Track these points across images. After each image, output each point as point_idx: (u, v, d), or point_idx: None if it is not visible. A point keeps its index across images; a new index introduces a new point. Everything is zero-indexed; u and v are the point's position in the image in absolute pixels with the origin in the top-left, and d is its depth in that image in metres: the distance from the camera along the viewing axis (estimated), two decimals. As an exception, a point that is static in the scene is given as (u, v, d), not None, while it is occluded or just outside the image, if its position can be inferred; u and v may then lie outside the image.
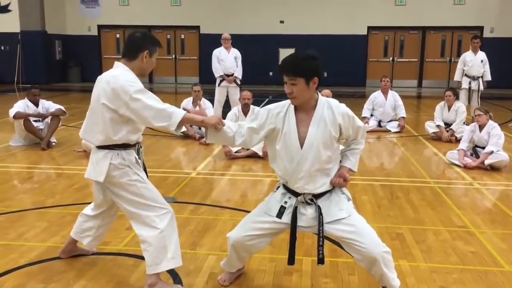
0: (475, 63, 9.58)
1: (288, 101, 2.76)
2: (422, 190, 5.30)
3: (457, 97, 8.41)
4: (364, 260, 2.73)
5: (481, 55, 9.64)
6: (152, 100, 2.74)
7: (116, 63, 2.94)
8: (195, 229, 4.03)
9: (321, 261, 2.82)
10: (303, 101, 2.70)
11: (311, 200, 2.78)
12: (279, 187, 2.93)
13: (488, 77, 9.68)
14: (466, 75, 9.66)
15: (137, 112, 2.73)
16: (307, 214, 2.79)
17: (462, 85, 9.70)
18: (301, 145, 2.71)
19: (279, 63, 2.71)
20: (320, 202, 2.78)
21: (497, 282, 3.20)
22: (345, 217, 2.76)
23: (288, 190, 2.84)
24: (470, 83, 9.61)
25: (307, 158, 2.71)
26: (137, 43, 2.91)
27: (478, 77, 9.60)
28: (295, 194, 2.81)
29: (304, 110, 2.73)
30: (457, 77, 9.84)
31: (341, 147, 2.92)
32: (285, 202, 2.83)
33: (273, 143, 2.80)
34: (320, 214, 2.75)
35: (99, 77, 2.91)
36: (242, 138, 2.83)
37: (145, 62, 2.90)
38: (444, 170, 6.34)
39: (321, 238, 2.77)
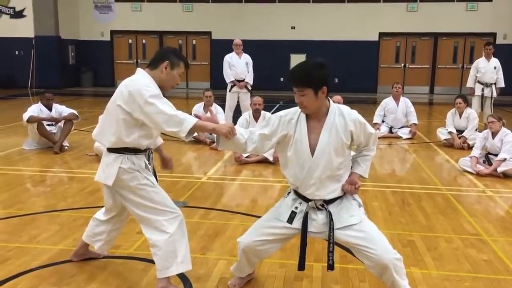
0: (488, 70, 9.51)
1: (298, 108, 2.76)
2: (434, 197, 5.26)
3: (468, 104, 8.35)
4: (375, 267, 2.71)
5: (494, 61, 9.57)
6: (165, 106, 2.76)
7: (138, 69, 2.99)
8: (206, 234, 4.03)
9: (331, 267, 2.81)
10: (313, 110, 2.70)
11: (322, 205, 2.78)
12: (290, 192, 2.92)
13: (502, 83, 9.59)
14: (479, 81, 9.59)
15: (150, 116, 2.75)
16: (317, 220, 2.78)
17: (475, 92, 9.63)
18: (312, 152, 2.70)
19: (289, 72, 2.70)
20: (331, 208, 2.77)
21: (510, 291, 3.17)
22: (356, 223, 2.74)
23: (299, 195, 2.84)
24: (483, 89, 9.54)
25: (318, 165, 2.70)
26: (161, 53, 2.98)
27: (491, 84, 9.53)
28: (306, 199, 2.81)
29: (315, 117, 2.73)
30: (470, 83, 9.78)
31: (352, 152, 2.91)
32: (296, 208, 2.83)
33: (284, 150, 2.79)
34: (330, 220, 2.74)
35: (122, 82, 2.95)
36: (253, 145, 2.82)
37: (165, 74, 2.90)
38: (456, 177, 6.29)
39: (331, 244, 2.76)
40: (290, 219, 2.81)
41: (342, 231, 2.74)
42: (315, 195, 2.76)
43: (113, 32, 19.68)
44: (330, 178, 2.74)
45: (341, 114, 2.71)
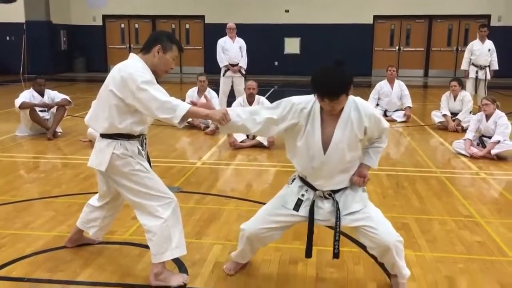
0: (482, 52, 9.50)
1: (312, 98, 2.65)
2: (428, 180, 5.28)
3: (462, 86, 8.35)
4: (377, 248, 2.71)
5: (489, 44, 9.56)
6: (158, 92, 2.72)
7: (131, 54, 2.94)
8: (201, 219, 4.04)
9: (336, 255, 2.80)
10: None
11: (329, 195, 2.75)
12: (294, 179, 2.88)
13: (495, 66, 9.59)
14: (473, 64, 9.59)
15: (143, 102, 2.71)
16: (324, 208, 2.76)
17: (469, 74, 9.63)
18: (324, 146, 2.63)
19: (321, 87, 2.50)
20: (337, 196, 2.75)
21: (504, 271, 3.19)
22: (361, 209, 2.74)
23: (306, 183, 2.80)
24: (477, 72, 9.54)
25: (331, 160, 2.64)
26: (153, 37, 2.92)
27: (485, 66, 9.53)
28: (313, 188, 2.77)
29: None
30: (464, 66, 9.77)
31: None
32: (302, 195, 2.79)
33: (294, 138, 2.71)
34: (337, 209, 2.72)
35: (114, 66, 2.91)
36: (258, 126, 2.71)
37: (157, 58, 2.85)
38: (450, 159, 6.31)
39: (338, 234, 2.75)
40: (297, 207, 2.79)
41: (347, 216, 2.74)
42: (324, 186, 2.74)
43: (105, 17, 19.46)
44: (341, 171, 2.71)
45: (356, 109, 2.61)
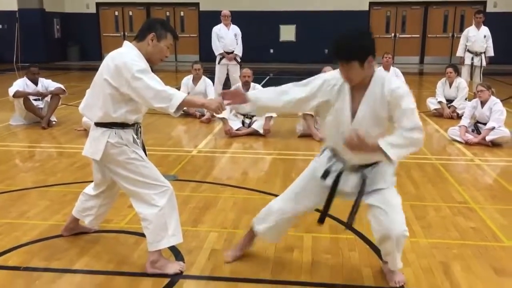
0: (478, 39, 9.49)
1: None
2: (423, 167, 5.30)
3: (458, 73, 8.34)
4: (380, 231, 2.67)
5: (484, 30, 9.54)
6: (153, 81, 2.71)
7: (125, 42, 2.91)
8: (196, 207, 4.04)
9: (349, 226, 2.80)
10: (358, 82, 2.56)
11: (358, 168, 2.72)
12: (325, 149, 2.85)
13: (491, 52, 9.58)
14: (468, 50, 9.58)
15: (138, 91, 2.70)
16: (350, 180, 2.74)
17: (464, 61, 9.63)
18: (352, 121, 2.62)
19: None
20: (366, 171, 2.71)
21: (497, 257, 3.22)
22: (384, 188, 2.70)
23: (335, 155, 2.77)
24: (472, 58, 9.54)
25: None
26: (147, 24, 2.89)
27: (481, 53, 9.52)
28: (342, 160, 2.75)
29: (357, 86, 2.59)
30: (459, 52, 9.76)
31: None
32: (330, 166, 2.77)
33: (324, 113, 2.72)
34: (363, 183, 2.69)
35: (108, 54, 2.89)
36: (288, 105, 2.72)
37: (151, 46, 2.83)
38: (446, 146, 6.33)
39: (357, 205, 2.71)
40: (324, 176, 2.77)
41: (369, 193, 2.71)
42: (353, 160, 2.70)
43: (98, 4, 19.28)
44: None
45: (382, 84, 2.55)
